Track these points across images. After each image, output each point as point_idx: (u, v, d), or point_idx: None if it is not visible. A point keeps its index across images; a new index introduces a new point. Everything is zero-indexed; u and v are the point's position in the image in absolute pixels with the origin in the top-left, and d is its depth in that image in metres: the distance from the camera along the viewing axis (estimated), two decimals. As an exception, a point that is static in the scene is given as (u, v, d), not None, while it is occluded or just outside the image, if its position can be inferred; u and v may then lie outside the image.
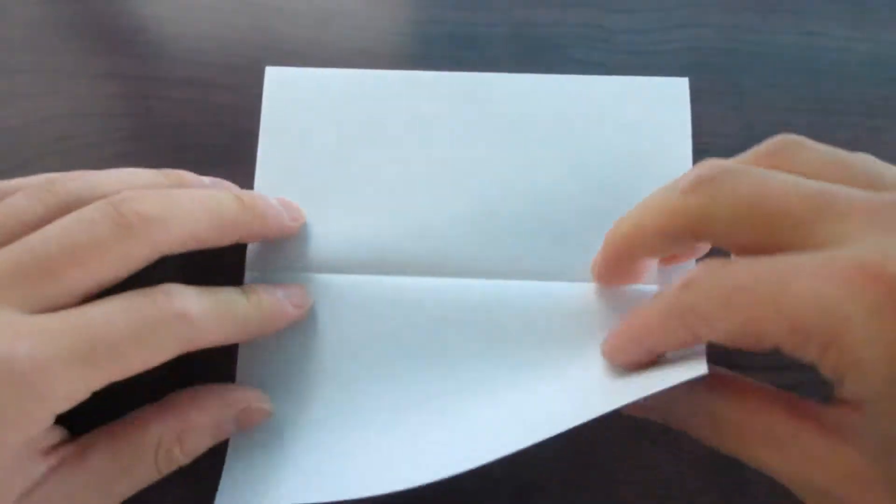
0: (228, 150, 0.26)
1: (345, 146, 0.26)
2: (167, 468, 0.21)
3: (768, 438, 0.17)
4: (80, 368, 0.18)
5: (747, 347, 0.17)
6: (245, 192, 0.23)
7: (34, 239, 0.19)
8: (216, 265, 0.24)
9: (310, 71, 0.27)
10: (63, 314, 0.18)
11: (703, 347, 0.19)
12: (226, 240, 0.22)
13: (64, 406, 0.18)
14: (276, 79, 0.27)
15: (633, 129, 0.26)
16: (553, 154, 0.26)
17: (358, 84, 0.27)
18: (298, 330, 0.24)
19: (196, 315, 0.19)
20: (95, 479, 0.19)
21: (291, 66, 0.28)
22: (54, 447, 0.19)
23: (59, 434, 0.20)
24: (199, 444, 0.21)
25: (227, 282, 0.24)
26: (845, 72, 0.27)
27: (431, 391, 0.24)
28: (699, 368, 0.18)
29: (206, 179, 0.24)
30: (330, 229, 0.25)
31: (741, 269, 0.17)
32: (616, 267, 0.22)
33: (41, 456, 0.19)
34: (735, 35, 0.28)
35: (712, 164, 0.18)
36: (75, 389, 0.18)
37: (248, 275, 0.25)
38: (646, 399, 0.18)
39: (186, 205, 0.20)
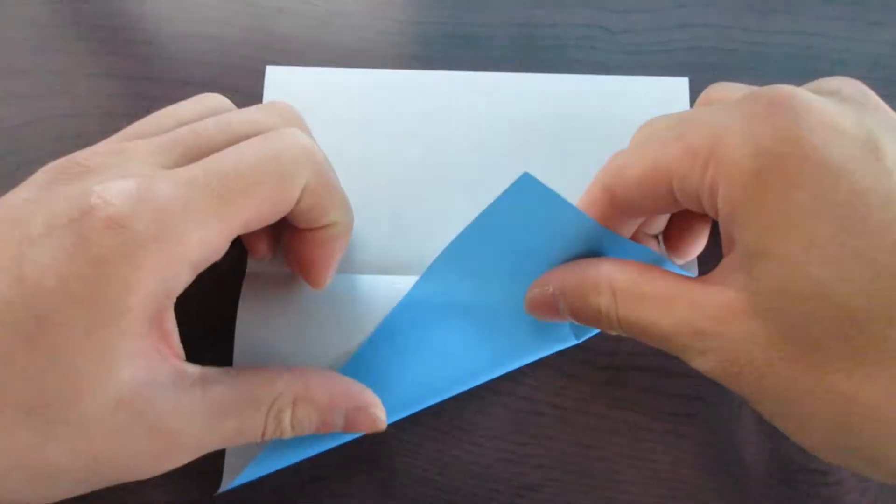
0: (228, 150, 0.26)
1: (344, 144, 0.26)
2: (271, 431, 0.19)
3: (660, 297, 0.18)
4: (213, 205, 0.18)
5: (650, 198, 0.19)
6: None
7: (195, 125, 0.20)
8: (217, 266, 0.24)
9: (309, 70, 0.27)
10: (197, 163, 0.18)
11: (694, 263, 0.24)
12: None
13: (199, 254, 0.18)
14: (277, 78, 0.27)
15: (634, 129, 0.26)
16: (552, 153, 0.26)
17: (358, 83, 0.27)
18: (295, 326, 0.24)
19: (319, 154, 0.20)
20: (208, 409, 0.18)
21: (291, 66, 0.28)
22: (180, 358, 0.19)
23: (182, 352, 0.19)
24: (306, 418, 0.20)
25: (228, 281, 0.25)
26: (845, 72, 0.27)
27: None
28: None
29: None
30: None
31: (657, 134, 0.20)
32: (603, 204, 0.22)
33: (174, 357, 0.19)
34: (735, 35, 0.28)
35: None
36: (210, 232, 0.18)
37: (247, 277, 0.25)
38: (553, 290, 0.21)
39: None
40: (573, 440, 0.24)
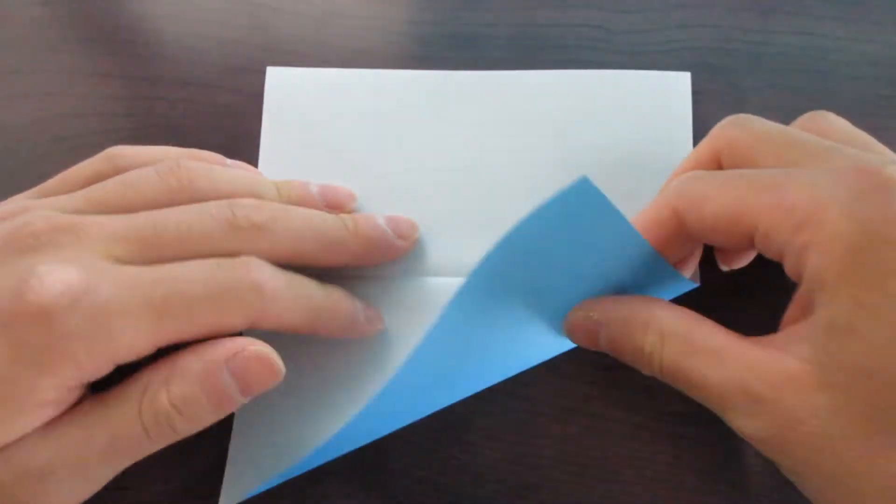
0: (228, 150, 0.26)
1: (345, 145, 0.26)
2: (153, 422, 0.18)
3: (712, 351, 0.18)
4: (149, 318, 0.18)
5: (723, 234, 0.19)
6: (350, 216, 0.24)
7: (157, 215, 0.20)
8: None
9: (310, 71, 0.27)
10: (146, 268, 0.19)
11: (696, 267, 0.24)
12: (330, 260, 0.23)
13: (125, 355, 0.18)
14: (277, 79, 0.27)
15: (634, 123, 0.26)
16: (554, 148, 0.26)
17: (358, 83, 0.27)
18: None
19: (270, 289, 0.19)
20: (79, 429, 0.18)
21: (291, 66, 0.28)
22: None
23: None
24: (187, 393, 0.18)
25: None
26: (845, 72, 0.27)
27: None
28: (692, 283, 0.22)
29: (229, 162, 0.25)
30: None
31: (746, 171, 0.19)
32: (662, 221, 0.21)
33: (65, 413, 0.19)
34: (735, 35, 0.28)
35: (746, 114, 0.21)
36: (140, 339, 0.18)
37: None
38: (598, 317, 0.20)
39: (294, 222, 0.22)
40: (573, 440, 0.24)
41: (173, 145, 0.27)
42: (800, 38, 0.28)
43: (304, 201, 0.24)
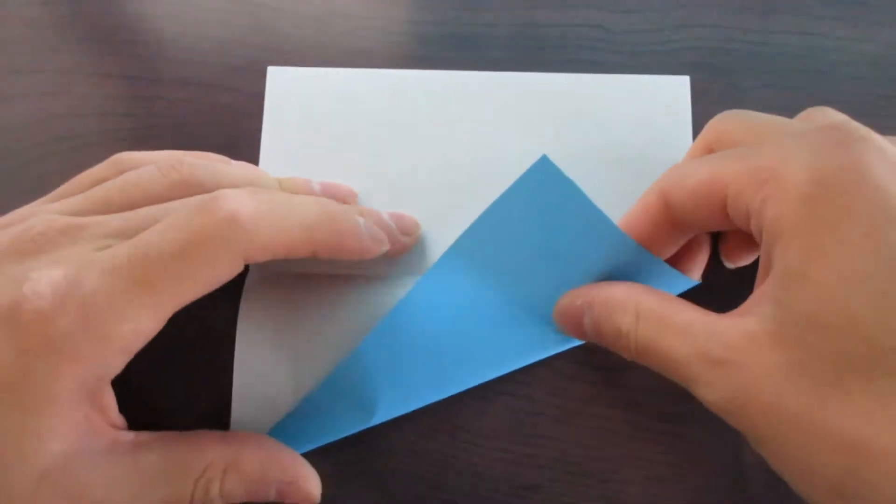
0: (228, 150, 0.26)
1: (345, 144, 0.26)
2: (199, 501, 0.19)
3: (682, 325, 0.18)
4: (140, 295, 0.18)
5: (703, 209, 0.19)
6: (356, 207, 0.24)
7: (158, 209, 0.20)
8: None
9: (310, 71, 0.27)
10: (123, 243, 0.18)
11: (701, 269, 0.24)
12: (333, 244, 0.22)
13: (132, 340, 0.18)
14: (278, 78, 0.27)
15: (634, 127, 0.26)
16: (554, 151, 0.26)
17: (358, 83, 0.27)
18: (297, 325, 0.24)
19: (247, 216, 0.18)
20: (138, 477, 0.19)
21: (291, 66, 0.28)
22: (116, 427, 0.20)
23: (123, 420, 0.20)
24: (235, 489, 0.20)
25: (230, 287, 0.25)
26: (845, 72, 0.27)
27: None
28: (691, 281, 0.22)
29: (233, 162, 0.25)
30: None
31: (726, 151, 0.20)
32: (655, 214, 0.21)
33: (108, 427, 0.19)
34: (735, 35, 0.28)
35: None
36: (141, 320, 0.18)
37: (250, 275, 0.25)
38: (581, 302, 0.21)
39: (298, 209, 0.20)
40: (573, 440, 0.24)
41: (174, 145, 0.27)
42: (800, 38, 0.28)
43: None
